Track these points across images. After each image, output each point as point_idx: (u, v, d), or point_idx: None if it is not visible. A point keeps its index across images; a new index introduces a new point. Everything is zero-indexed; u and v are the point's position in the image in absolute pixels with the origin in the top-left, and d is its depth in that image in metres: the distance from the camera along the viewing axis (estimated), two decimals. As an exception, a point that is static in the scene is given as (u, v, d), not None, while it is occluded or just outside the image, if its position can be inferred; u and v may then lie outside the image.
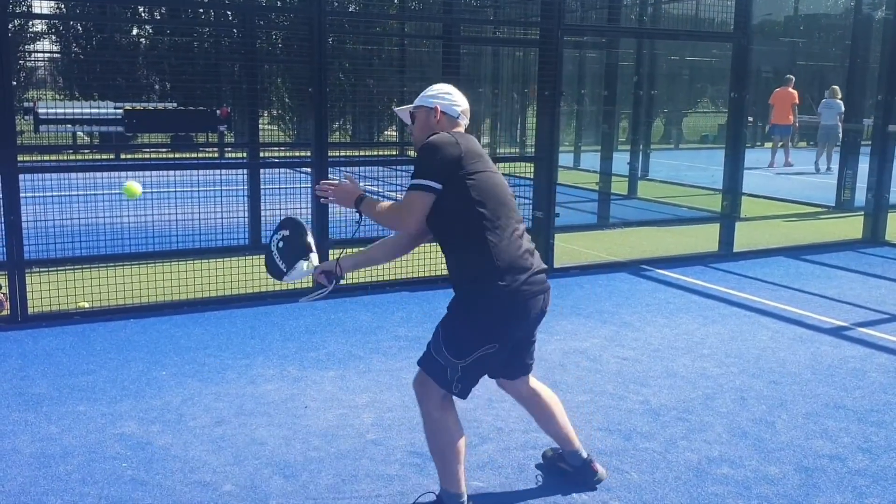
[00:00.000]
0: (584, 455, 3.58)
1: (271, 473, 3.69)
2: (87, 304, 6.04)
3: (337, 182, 3.34)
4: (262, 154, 9.46)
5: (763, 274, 7.77)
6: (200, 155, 12.49)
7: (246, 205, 8.32)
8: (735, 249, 8.59)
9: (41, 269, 6.48)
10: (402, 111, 3.48)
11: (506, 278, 3.10)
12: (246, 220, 8.37)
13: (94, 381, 4.72)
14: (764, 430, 4.20)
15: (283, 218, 3.53)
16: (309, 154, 6.57)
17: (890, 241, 9.40)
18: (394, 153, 15.96)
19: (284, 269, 3.43)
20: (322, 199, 3.41)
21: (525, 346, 3.41)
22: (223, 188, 8.24)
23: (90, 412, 4.28)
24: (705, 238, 9.12)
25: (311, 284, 4.82)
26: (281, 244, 3.46)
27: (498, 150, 16.32)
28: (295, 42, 16.96)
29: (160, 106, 7.25)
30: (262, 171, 8.55)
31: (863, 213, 11.10)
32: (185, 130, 7.94)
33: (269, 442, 3.99)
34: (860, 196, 11.95)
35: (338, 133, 21.65)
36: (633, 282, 7.39)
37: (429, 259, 7.18)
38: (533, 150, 7.64)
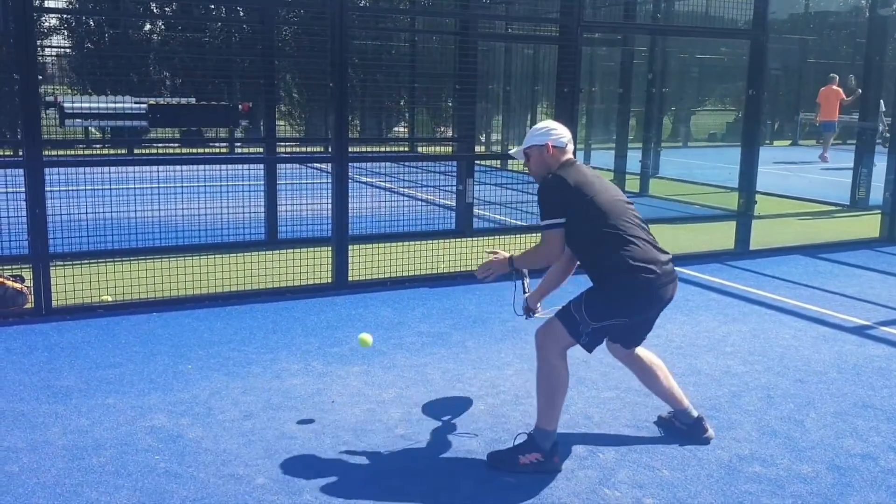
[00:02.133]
0: (695, 414, 4.04)
1: (303, 467, 3.69)
2: (109, 298, 6.05)
3: (489, 262, 3.96)
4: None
5: (781, 272, 7.76)
6: (223, 150, 12.54)
7: (263, 200, 8.32)
8: (751, 247, 8.58)
9: (64, 263, 6.49)
10: (517, 153, 4.02)
11: (641, 272, 3.64)
12: (263, 215, 8.36)
13: (121, 373, 4.73)
14: (793, 429, 4.19)
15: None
16: (321, 149, 6.55)
17: (907, 241, 9.37)
18: (405, 149, 15.98)
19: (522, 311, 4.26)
20: (486, 280, 4.02)
21: (647, 325, 3.98)
22: (239, 183, 8.23)
23: (119, 405, 4.29)
24: (720, 236, 9.10)
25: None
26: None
27: (509, 148, 16.33)
28: (306, 38, 17.01)
29: (183, 101, 7.26)
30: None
31: (878, 211, 11.10)
32: (208, 125, 7.96)
33: (299, 436, 3.99)
34: (874, 195, 11.97)
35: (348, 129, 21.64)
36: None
37: (446, 255, 7.19)
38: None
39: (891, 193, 9.45)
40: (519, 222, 9.58)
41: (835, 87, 17.74)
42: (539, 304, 4.18)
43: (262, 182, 8.29)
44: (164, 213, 8.23)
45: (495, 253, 3.98)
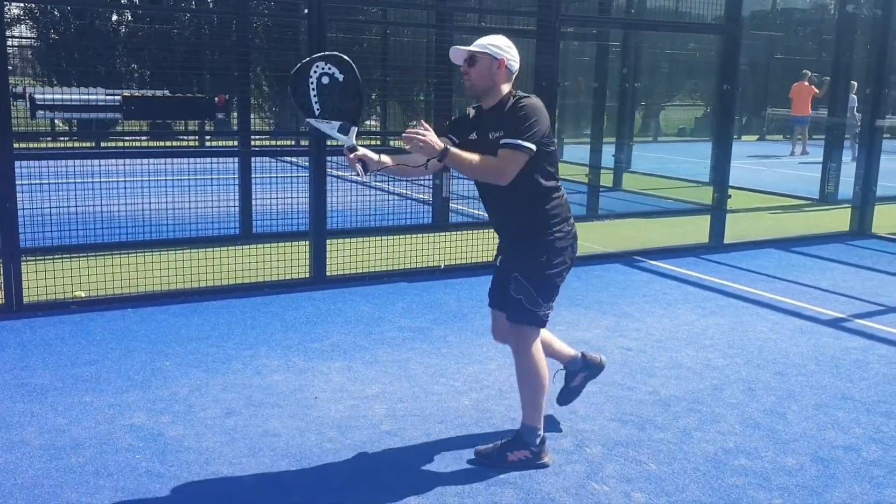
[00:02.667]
0: (580, 355, 4.15)
1: (289, 465, 3.64)
2: (82, 294, 5.93)
3: (424, 131, 3.31)
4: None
5: (756, 265, 7.83)
6: (192, 143, 12.36)
7: (237, 194, 8.21)
8: (725, 241, 8.64)
9: (35, 258, 6.34)
10: (461, 51, 3.49)
11: (570, 223, 3.62)
12: (237, 209, 8.26)
13: (97, 371, 4.63)
14: (776, 422, 4.22)
15: (336, 53, 3.40)
16: (292, 143, 6.46)
17: (877, 234, 9.51)
18: (378, 143, 15.88)
19: (317, 114, 3.33)
20: (408, 147, 3.38)
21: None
22: (212, 177, 8.12)
23: (97, 403, 4.20)
24: (694, 230, 9.17)
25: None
26: (325, 81, 3.27)
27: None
28: (276, 29, 16.82)
29: (158, 93, 7.13)
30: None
31: (847, 205, 11.26)
32: (184, 118, 7.83)
33: (283, 433, 3.93)
34: (843, 189, 12.14)
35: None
36: (628, 273, 7.41)
37: (423, 250, 7.15)
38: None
39: (860, 188, 9.57)
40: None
41: (806, 83, 18.37)
42: (374, 164, 3.48)
43: (237, 175, 8.18)
44: (137, 207, 8.09)
45: (428, 129, 3.33)
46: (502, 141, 3.39)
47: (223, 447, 3.78)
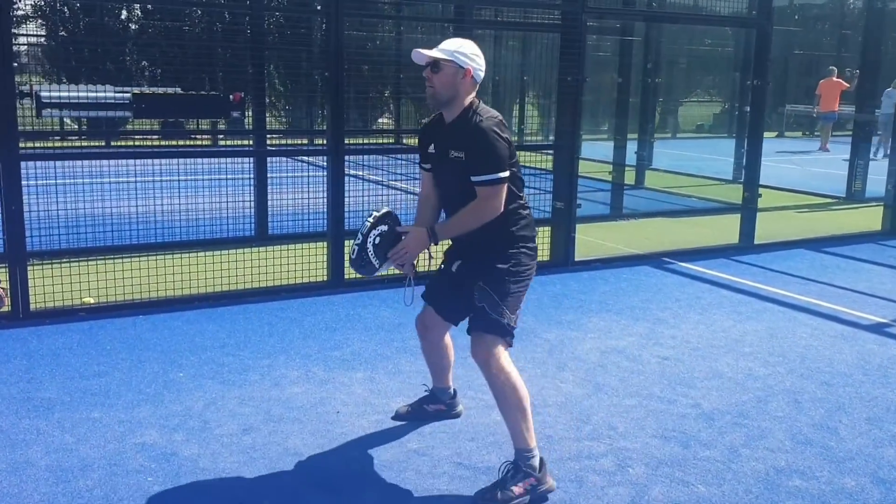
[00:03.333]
0: (451, 390, 4.07)
1: (312, 488, 3.40)
2: (91, 300, 5.71)
3: (403, 248, 3.43)
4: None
5: (788, 267, 7.54)
6: (206, 142, 12.15)
7: (252, 195, 7.98)
8: (755, 241, 8.36)
9: (42, 262, 6.13)
10: (423, 55, 3.32)
11: (534, 241, 3.53)
12: (252, 210, 8.03)
13: (107, 383, 4.40)
14: (828, 437, 3.95)
15: (384, 212, 3.48)
16: (305, 141, 6.22)
17: (910, 234, 9.20)
18: (391, 141, 15.65)
19: (377, 266, 3.48)
20: (404, 269, 3.58)
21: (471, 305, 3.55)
22: (226, 177, 7.88)
23: (106, 419, 3.97)
24: (721, 229, 8.89)
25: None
26: (378, 241, 3.44)
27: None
28: (289, 26, 16.60)
29: (170, 91, 6.91)
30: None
31: (873, 203, 10.95)
32: (197, 116, 7.61)
33: (305, 452, 3.70)
34: (870, 187, 11.82)
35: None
36: (658, 275, 7.14)
37: (442, 250, 6.88)
38: (531, 138, 7.37)
39: (893, 186, 9.26)
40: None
41: (835, 78, 18.42)
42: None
43: (252, 175, 7.95)
44: (148, 208, 7.88)
45: (404, 230, 3.42)
46: (479, 178, 3.29)
47: (241, 468, 3.54)
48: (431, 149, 3.52)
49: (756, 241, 8.37)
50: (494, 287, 3.36)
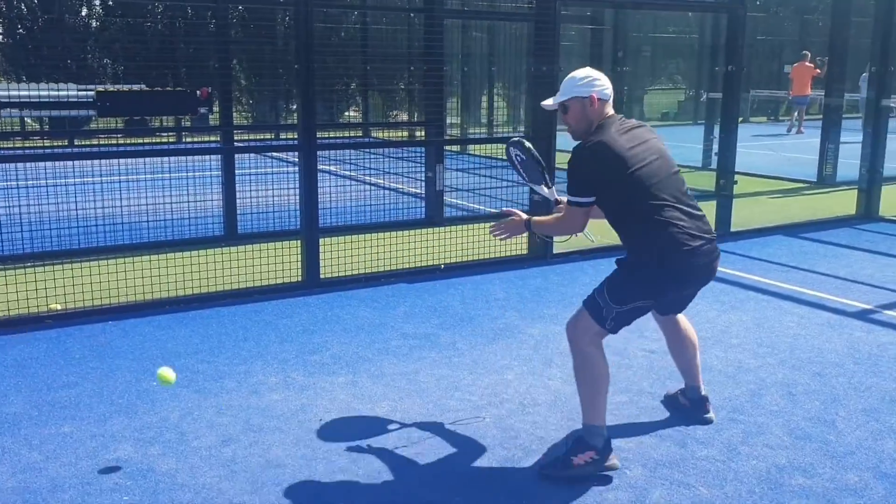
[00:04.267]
0: (703, 392, 3.95)
1: (298, 502, 3.23)
2: (58, 306, 5.47)
3: (505, 222, 3.73)
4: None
5: (767, 254, 7.49)
6: (170, 140, 11.85)
7: (221, 193, 7.75)
8: (731, 229, 8.31)
9: (5, 267, 5.87)
10: (552, 105, 3.60)
11: (670, 256, 3.36)
12: (220, 209, 7.80)
13: (77, 395, 4.19)
14: (826, 431, 3.87)
15: (515, 140, 3.89)
16: (271, 136, 6.01)
17: (884, 217, 9.21)
18: (359, 134, 15.44)
19: (527, 180, 3.92)
20: (501, 239, 3.80)
21: (686, 300, 3.74)
22: (188, 175, 7.64)
23: (77, 433, 3.77)
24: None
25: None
26: (519, 160, 3.89)
27: (469, 132, 15.90)
28: (253, 19, 16.28)
29: (134, 88, 6.65)
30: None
31: (844, 187, 11.01)
32: (164, 113, 7.35)
33: (288, 463, 3.52)
34: (841, 171, 11.87)
35: (296, 115, 21.00)
36: (638, 266, 7.03)
37: (420, 247, 6.74)
38: (499, 129, 7.23)
39: (867, 170, 9.26)
40: (490, 209, 9.18)
41: (807, 63, 18.71)
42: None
43: (220, 173, 7.72)
44: (114, 209, 7.61)
45: (511, 212, 3.74)
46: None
47: (222, 482, 3.36)
48: None
49: (732, 229, 8.32)
50: (613, 274, 3.51)
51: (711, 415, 3.94)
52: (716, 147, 9.37)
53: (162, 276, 5.93)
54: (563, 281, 6.51)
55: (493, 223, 3.77)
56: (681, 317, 3.90)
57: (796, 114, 19.94)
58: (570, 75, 3.56)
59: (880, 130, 9.18)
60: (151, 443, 3.69)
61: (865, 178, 9.30)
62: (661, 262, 3.37)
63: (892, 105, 9.01)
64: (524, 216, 3.69)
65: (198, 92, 5.87)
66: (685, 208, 3.42)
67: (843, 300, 6.00)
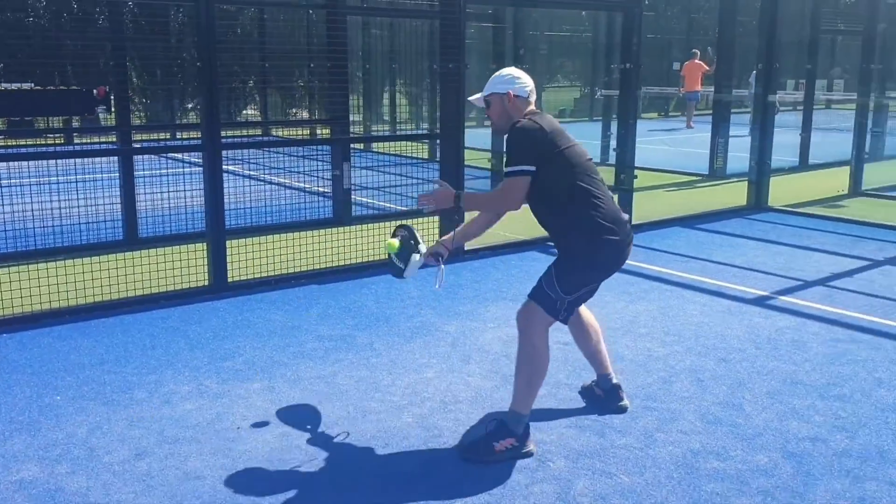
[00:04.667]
0: (614, 380, 4.03)
1: (219, 514, 3.14)
2: (-55, 321, 5.14)
3: (432, 191, 3.71)
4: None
5: (667, 245, 7.75)
6: (58, 141, 11.32)
7: (120, 196, 7.45)
8: (632, 222, 8.55)
9: None
10: (476, 100, 3.75)
11: (612, 232, 3.53)
12: (119, 212, 7.50)
13: (-28, 415, 3.95)
14: (735, 415, 4.02)
15: (398, 226, 3.84)
16: (167, 136, 5.82)
17: (773, 207, 9.66)
18: (259, 133, 15.14)
19: (403, 267, 3.75)
20: (426, 210, 3.76)
21: (595, 289, 3.85)
22: (83, 178, 7.33)
23: (-24, 456, 3.55)
24: (602, 211, 9.05)
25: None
26: (398, 251, 3.79)
27: (372, 129, 15.81)
28: (144, 16, 15.70)
29: (24, 86, 6.30)
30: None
31: (735, 179, 11.51)
32: (58, 114, 6.97)
33: (207, 475, 3.42)
34: (730, 164, 12.39)
35: (192, 114, 20.47)
36: (546, 260, 7.04)
37: (329, 247, 6.66)
38: (403, 126, 7.24)
39: (756, 162, 9.69)
40: (399, 207, 9.15)
41: (697, 60, 19.35)
42: (445, 249, 3.87)
43: (118, 175, 7.42)
44: (2, 215, 7.21)
45: (441, 183, 3.75)
46: (505, 171, 3.60)
47: (138, 498, 3.23)
48: None
49: (634, 222, 8.56)
50: (557, 264, 3.61)
51: (626, 402, 4.04)
52: (614, 143, 9.65)
53: (59, 284, 5.66)
54: (475, 277, 6.55)
55: (421, 194, 3.76)
56: (581, 307, 3.96)
57: (690, 109, 20.81)
58: (495, 75, 3.73)
59: (767, 125, 9.62)
60: (58, 461, 3.51)
61: (755, 170, 9.73)
62: (601, 244, 3.51)
63: (776, 101, 9.44)
64: (453, 190, 3.69)
65: (94, 91, 5.61)
66: (607, 192, 3.62)
67: (741, 288, 6.26)
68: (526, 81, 3.69)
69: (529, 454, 3.56)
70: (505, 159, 3.59)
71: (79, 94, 5.74)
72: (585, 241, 3.52)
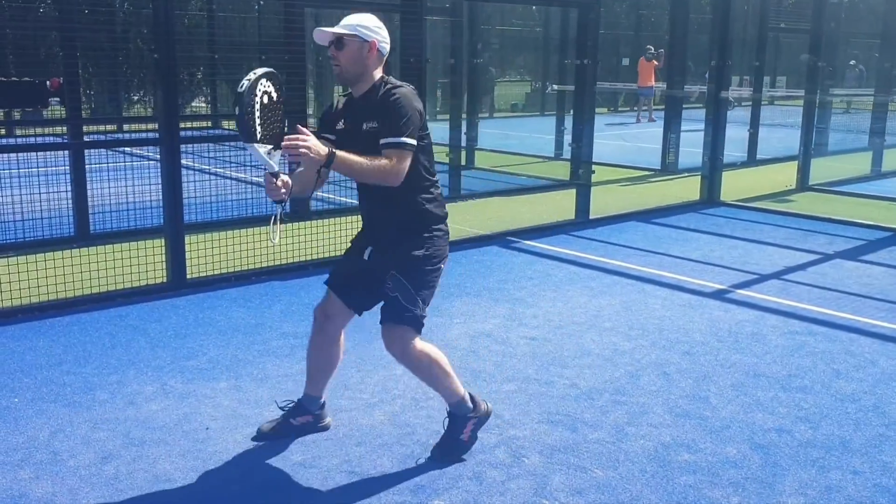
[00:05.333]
0: (322, 399, 3.74)
1: (193, 518, 3.08)
2: None
3: (305, 137, 2.92)
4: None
5: (625, 240, 7.83)
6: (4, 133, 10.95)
7: (70, 190, 7.25)
8: (590, 216, 8.64)
9: None
10: (326, 33, 3.19)
11: (446, 222, 3.43)
12: (70, 207, 7.30)
13: (-74, 419, 3.80)
14: (702, 408, 4.08)
15: (267, 71, 2.99)
16: (114, 128, 5.68)
17: (724, 201, 9.83)
18: (209, 125, 14.89)
19: (258, 137, 2.93)
20: (293, 158, 2.97)
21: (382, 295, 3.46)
22: (21, 172, 7.10)
23: (-68, 462, 3.42)
24: (555, 206, 9.14)
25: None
26: (266, 100, 2.95)
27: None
28: (87, 6, 15.29)
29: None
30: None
31: (686, 174, 11.70)
32: (9, 106, 6.71)
33: (176, 477, 3.34)
34: (683, 159, 12.59)
35: (138, 106, 20.04)
36: (507, 255, 7.18)
37: (288, 242, 6.58)
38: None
39: (709, 157, 9.85)
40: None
41: (649, 55, 20.07)
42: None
43: (67, 169, 7.21)
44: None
45: (309, 133, 2.97)
46: (385, 140, 3.14)
47: (106, 503, 3.14)
48: (341, 125, 3.34)
49: (591, 216, 8.65)
50: (410, 276, 3.28)
51: (328, 421, 3.75)
52: (569, 138, 9.73)
53: (9, 282, 5.48)
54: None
55: (288, 138, 2.93)
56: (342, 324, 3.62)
57: (643, 104, 21.51)
58: (357, 16, 3.23)
59: (720, 120, 9.79)
60: (20, 466, 3.40)
61: (707, 165, 9.89)
62: (442, 238, 3.37)
63: (730, 97, 9.61)
64: (326, 148, 2.99)
65: (48, 82, 5.44)
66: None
67: (700, 281, 6.36)
68: (388, 38, 3.29)
69: (489, 413, 3.61)
70: (390, 124, 3.11)
71: (31, 86, 5.55)
72: (426, 229, 3.31)
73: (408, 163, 3.15)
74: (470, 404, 3.53)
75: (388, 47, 3.30)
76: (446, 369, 3.45)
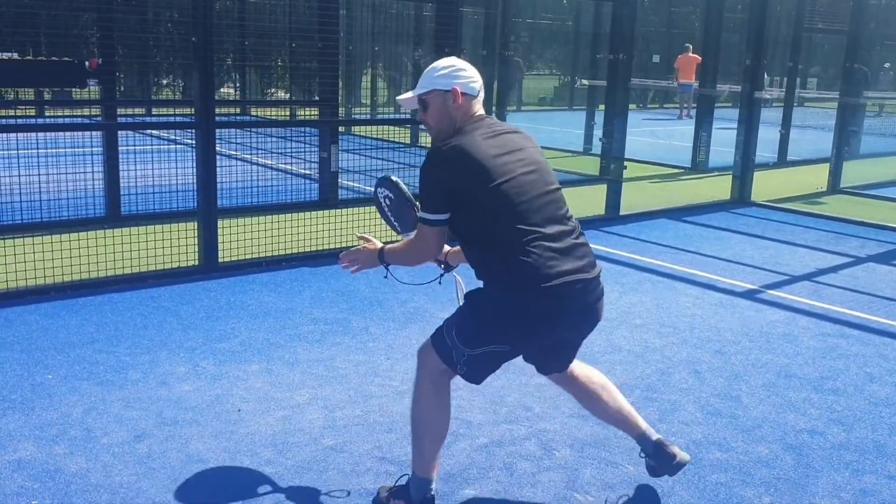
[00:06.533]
0: (654, 437, 3.15)
1: (224, 498, 3.09)
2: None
3: (357, 251, 3.08)
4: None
5: (656, 237, 7.78)
6: (36, 114, 11.07)
7: (103, 171, 7.31)
8: (620, 212, 8.59)
9: None
10: (410, 100, 2.95)
11: (528, 294, 2.72)
12: (102, 188, 7.37)
13: (-37, 392, 3.86)
14: (734, 407, 4.05)
15: (384, 177, 3.20)
16: (143, 112, 5.70)
17: (756, 202, 9.74)
18: (236, 112, 14.95)
19: (399, 231, 3.19)
20: (352, 272, 3.14)
21: (564, 354, 3.11)
22: (52, 151, 7.17)
23: (-31, 434, 3.47)
24: (585, 201, 9.08)
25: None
26: (388, 202, 3.20)
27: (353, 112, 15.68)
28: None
29: (15, 56, 6.12)
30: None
31: (716, 173, 11.61)
32: (47, 85, 6.77)
33: (210, 458, 3.37)
34: (713, 158, 12.49)
35: (167, 90, 20.20)
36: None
37: (317, 229, 6.59)
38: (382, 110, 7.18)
39: (741, 157, 9.76)
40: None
41: (690, 54, 20.20)
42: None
43: (101, 150, 7.28)
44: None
45: (366, 239, 3.09)
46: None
47: (140, 481, 3.17)
48: None
49: (621, 212, 8.60)
50: (462, 309, 2.88)
51: (681, 456, 3.13)
52: (600, 133, 9.68)
53: (41, 260, 5.54)
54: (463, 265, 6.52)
55: (343, 253, 3.12)
56: (577, 366, 3.22)
57: (684, 100, 21.73)
58: (431, 66, 2.93)
59: (753, 121, 9.69)
60: (55, 441, 3.44)
61: (739, 165, 9.80)
62: (516, 300, 2.72)
63: (766, 97, 9.51)
64: (378, 244, 3.04)
65: (87, 63, 5.48)
66: (558, 236, 2.80)
67: (732, 281, 6.31)
68: (473, 75, 2.88)
69: None
70: (418, 192, 2.87)
71: (70, 66, 5.58)
72: (501, 292, 2.78)
73: (432, 239, 2.82)
74: (420, 496, 2.95)
75: (476, 85, 2.88)
76: (428, 437, 2.95)
